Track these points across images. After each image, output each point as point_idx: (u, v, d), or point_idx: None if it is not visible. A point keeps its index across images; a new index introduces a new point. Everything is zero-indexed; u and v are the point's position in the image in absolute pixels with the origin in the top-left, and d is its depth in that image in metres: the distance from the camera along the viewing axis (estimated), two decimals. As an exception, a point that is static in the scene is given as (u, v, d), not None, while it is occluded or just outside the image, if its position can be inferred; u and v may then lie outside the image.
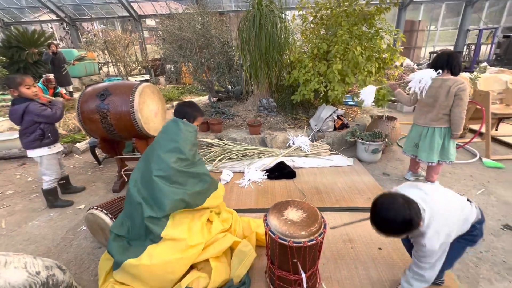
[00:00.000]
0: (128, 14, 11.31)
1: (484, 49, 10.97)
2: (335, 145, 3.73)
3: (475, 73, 5.45)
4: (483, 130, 3.35)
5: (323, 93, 3.62)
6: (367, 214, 1.24)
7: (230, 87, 5.25)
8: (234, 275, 1.59)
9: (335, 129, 3.79)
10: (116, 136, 2.73)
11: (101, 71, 11.95)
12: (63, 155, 4.17)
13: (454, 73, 2.30)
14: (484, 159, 3.30)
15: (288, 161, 3.32)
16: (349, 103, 4.98)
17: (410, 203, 1.13)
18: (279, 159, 3.36)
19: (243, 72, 4.71)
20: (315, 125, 3.85)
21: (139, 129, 2.59)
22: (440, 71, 2.32)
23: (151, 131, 2.72)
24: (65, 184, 2.90)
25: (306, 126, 3.95)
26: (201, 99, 7.17)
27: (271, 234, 1.39)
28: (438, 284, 1.60)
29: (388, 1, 3.47)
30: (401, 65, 5.55)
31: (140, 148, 2.81)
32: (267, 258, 1.63)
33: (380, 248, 1.92)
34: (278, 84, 4.42)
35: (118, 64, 11.22)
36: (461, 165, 3.24)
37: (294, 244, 1.32)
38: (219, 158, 3.29)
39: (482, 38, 10.17)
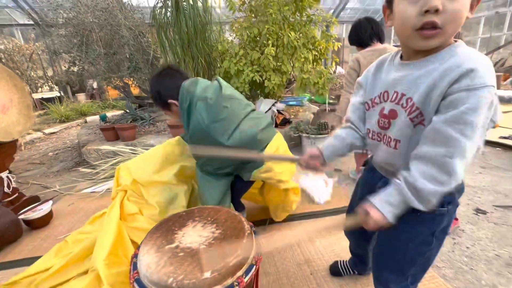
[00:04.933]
0: (32, 22, 9.46)
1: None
2: (278, 144, 3.18)
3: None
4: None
5: (259, 82, 3.09)
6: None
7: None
8: None
9: (276, 125, 3.26)
10: None
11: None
12: None
13: (382, 39, 1.96)
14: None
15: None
16: (290, 103, 4.62)
17: None
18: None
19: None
20: (254, 123, 3.26)
21: (-42, 129, 1.55)
22: None
23: (-11, 133, 1.69)
24: None
25: (243, 125, 3.32)
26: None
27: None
28: None
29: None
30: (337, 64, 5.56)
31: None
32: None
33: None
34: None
35: (18, 79, 9.13)
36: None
37: (188, 306, 0.57)
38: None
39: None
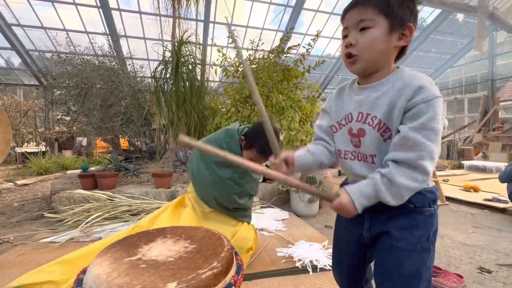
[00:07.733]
0: (38, 83, 10.07)
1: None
2: (265, 198, 3.06)
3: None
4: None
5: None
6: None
7: (141, 144, 4.38)
8: None
9: (264, 180, 3.20)
10: None
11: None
12: None
13: None
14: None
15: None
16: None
17: None
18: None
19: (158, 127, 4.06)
20: (242, 177, 3.20)
21: None
22: None
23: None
24: None
25: (231, 179, 3.25)
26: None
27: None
28: None
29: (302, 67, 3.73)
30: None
31: None
32: None
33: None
34: (200, 135, 3.86)
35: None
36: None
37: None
38: (92, 217, 2.12)
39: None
